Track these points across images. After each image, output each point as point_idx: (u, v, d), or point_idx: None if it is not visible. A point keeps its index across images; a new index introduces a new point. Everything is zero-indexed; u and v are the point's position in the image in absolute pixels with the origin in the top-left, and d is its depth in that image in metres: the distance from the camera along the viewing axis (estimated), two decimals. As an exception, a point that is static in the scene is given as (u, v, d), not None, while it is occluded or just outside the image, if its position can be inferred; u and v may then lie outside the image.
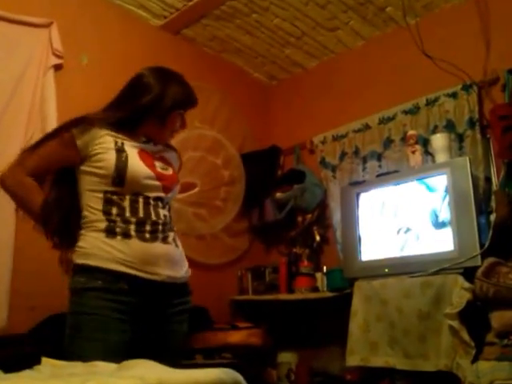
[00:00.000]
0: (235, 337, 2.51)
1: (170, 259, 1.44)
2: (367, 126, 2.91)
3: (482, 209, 2.24)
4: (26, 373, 0.80)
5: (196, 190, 2.93)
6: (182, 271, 1.51)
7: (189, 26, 2.98)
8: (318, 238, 2.97)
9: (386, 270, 2.26)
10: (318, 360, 2.69)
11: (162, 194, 1.48)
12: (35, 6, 2.37)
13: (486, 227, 2.13)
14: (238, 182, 3.15)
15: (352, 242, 2.46)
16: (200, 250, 2.89)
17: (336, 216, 2.88)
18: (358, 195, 2.51)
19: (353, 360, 2.19)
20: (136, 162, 1.42)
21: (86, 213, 1.41)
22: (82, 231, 1.40)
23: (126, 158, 1.40)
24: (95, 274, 1.33)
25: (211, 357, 2.43)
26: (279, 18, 2.91)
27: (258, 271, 3.05)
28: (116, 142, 1.42)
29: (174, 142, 1.69)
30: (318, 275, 2.83)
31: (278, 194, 3.08)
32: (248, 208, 3.19)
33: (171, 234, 1.48)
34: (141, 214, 1.40)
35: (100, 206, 1.39)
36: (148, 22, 2.91)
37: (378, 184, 2.50)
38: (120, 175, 1.38)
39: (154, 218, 1.42)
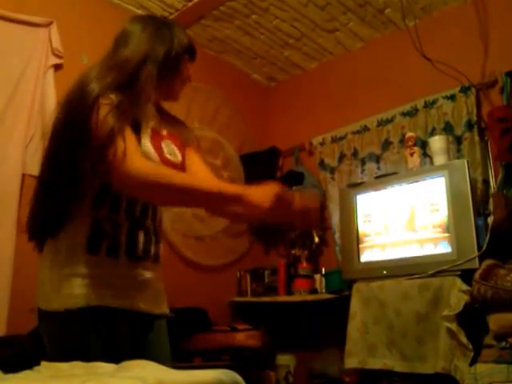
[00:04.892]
0: (234, 339, 2.51)
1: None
2: (366, 128, 2.91)
3: (480, 211, 2.24)
4: (26, 373, 0.79)
5: (195, 190, 2.93)
6: None
7: (188, 26, 2.97)
8: (316, 239, 2.97)
9: (385, 272, 2.26)
10: (316, 362, 2.69)
11: None
12: (35, 6, 2.37)
13: (484, 229, 2.13)
14: (238, 183, 3.15)
15: (350, 243, 2.46)
16: (199, 252, 2.89)
17: (335, 217, 2.88)
18: (356, 197, 2.52)
19: (351, 362, 2.19)
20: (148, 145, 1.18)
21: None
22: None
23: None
24: None
25: (210, 359, 2.42)
26: (278, 19, 2.92)
27: (257, 273, 3.05)
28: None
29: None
30: (317, 277, 2.83)
31: (277, 196, 3.08)
32: (247, 209, 3.19)
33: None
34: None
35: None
36: (147, 22, 2.91)
37: (377, 186, 2.50)
38: None
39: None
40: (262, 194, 1.09)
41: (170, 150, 1.25)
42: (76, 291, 1.10)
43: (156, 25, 1.27)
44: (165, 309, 1.29)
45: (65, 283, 1.10)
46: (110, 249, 1.14)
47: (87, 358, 0.93)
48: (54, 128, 1.16)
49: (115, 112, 1.09)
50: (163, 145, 1.23)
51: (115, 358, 0.96)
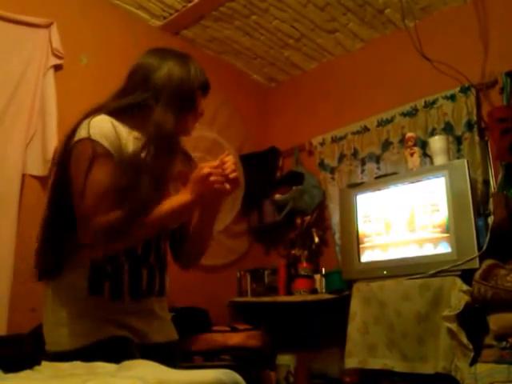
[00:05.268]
0: (234, 339, 2.50)
1: None
2: (366, 128, 2.91)
3: (480, 211, 2.24)
4: (26, 373, 0.79)
5: (195, 191, 2.92)
6: None
7: (188, 27, 2.98)
8: (316, 239, 2.97)
9: (385, 272, 2.26)
10: (316, 362, 2.69)
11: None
12: (35, 7, 2.37)
13: (484, 229, 2.13)
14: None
15: (350, 243, 2.46)
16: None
17: (335, 218, 2.88)
18: (356, 197, 2.52)
19: (351, 362, 2.19)
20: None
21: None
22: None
23: None
24: None
25: (210, 359, 2.42)
26: (278, 20, 2.92)
27: (257, 273, 3.05)
28: None
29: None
30: (317, 277, 2.83)
31: (277, 196, 3.08)
32: (247, 210, 3.19)
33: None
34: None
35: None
36: (147, 22, 2.91)
37: (377, 186, 2.50)
38: None
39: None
40: (199, 185, 1.12)
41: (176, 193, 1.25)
42: (83, 330, 1.09)
43: (172, 60, 1.25)
44: (174, 335, 1.31)
45: (70, 323, 1.10)
46: (113, 291, 1.14)
47: None
48: (62, 160, 1.16)
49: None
50: (171, 188, 1.24)
51: None
